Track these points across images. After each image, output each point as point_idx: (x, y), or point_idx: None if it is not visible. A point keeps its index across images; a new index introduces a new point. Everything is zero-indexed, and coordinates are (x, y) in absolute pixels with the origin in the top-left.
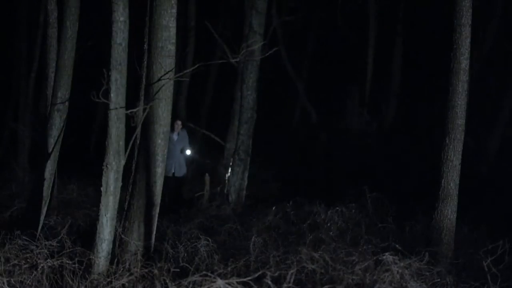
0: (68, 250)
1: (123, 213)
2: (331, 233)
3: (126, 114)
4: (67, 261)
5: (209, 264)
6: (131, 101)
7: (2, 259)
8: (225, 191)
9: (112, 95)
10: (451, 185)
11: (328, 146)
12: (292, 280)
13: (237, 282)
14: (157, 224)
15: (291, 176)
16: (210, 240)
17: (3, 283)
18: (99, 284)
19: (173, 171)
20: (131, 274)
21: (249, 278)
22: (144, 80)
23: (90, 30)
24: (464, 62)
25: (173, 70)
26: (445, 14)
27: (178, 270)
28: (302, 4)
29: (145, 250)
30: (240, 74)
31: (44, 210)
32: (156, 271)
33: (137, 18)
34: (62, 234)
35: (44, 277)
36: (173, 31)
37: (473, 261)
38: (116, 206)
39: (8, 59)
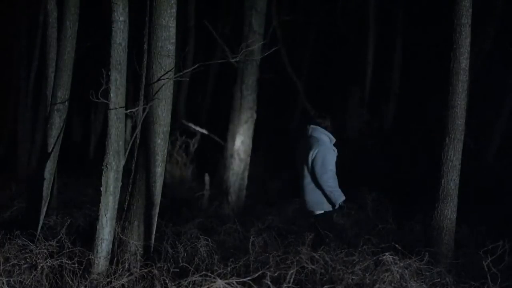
0: (67, 250)
1: (122, 213)
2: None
3: (126, 114)
4: (67, 261)
5: (208, 264)
6: (131, 101)
7: (2, 259)
8: (225, 191)
9: (111, 95)
10: (451, 185)
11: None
12: (292, 280)
13: (236, 282)
14: (156, 224)
15: (291, 176)
16: (210, 240)
17: (3, 283)
18: (99, 284)
19: None
20: (130, 274)
21: (249, 278)
22: (143, 80)
23: (90, 30)
24: (464, 62)
25: (173, 70)
26: (445, 14)
27: (178, 270)
28: (302, 3)
29: (144, 250)
30: (240, 74)
31: (43, 210)
32: (155, 271)
33: (136, 17)
34: (61, 234)
35: (44, 277)
36: (172, 31)
37: (473, 261)
38: (116, 206)
39: (7, 59)
